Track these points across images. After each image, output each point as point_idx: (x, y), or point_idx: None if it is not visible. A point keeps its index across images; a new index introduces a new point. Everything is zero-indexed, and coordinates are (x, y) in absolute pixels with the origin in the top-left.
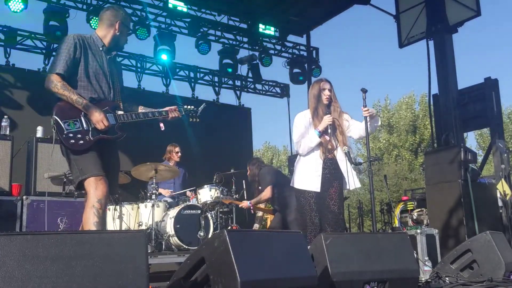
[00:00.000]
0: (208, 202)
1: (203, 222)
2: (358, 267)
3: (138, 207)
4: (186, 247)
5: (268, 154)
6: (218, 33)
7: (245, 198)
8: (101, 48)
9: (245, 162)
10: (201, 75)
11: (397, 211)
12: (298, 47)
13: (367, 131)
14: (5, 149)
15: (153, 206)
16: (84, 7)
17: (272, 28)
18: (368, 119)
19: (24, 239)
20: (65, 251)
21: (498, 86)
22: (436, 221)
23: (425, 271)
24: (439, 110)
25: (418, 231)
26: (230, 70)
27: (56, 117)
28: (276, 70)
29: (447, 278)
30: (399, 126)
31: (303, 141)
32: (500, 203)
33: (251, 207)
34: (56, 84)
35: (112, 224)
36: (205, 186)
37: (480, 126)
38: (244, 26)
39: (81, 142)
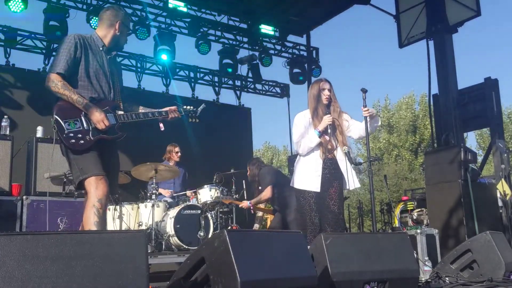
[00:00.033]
0: (208, 202)
1: (203, 222)
2: (358, 267)
3: (138, 207)
4: (186, 247)
5: (268, 154)
6: (218, 33)
7: (245, 198)
8: (101, 48)
9: (245, 162)
10: (201, 75)
11: (397, 211)
12: (298, 47)
13: (367, 131)
14: (5, 149)
15: (153, 206)
16: (84, 7)
17: (272, 28)
18: (368, 119)
19: (24, 239)
20: (65, 251)
21: (498, 86)
22: (436, 221)
23: (425, 271)
24: (439, 110)
25: (418, 231)
26: (230, 70)
27: (56, 117)
28: (276, 70)
29: (447, 278)
30: (399, 126)
31: (303, 141)
32: (500, 203)
33: (251, 207)
34: (57, 83)
35: (112, 224)
36: (205, 186)
37: (480, 126)
38: (244, 26)
39: (82, 141)
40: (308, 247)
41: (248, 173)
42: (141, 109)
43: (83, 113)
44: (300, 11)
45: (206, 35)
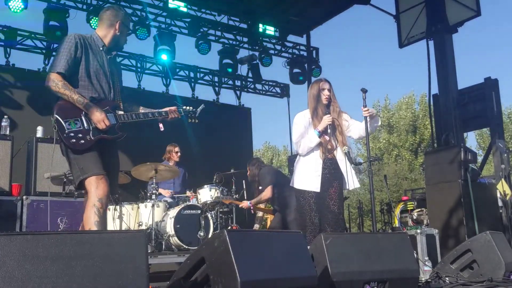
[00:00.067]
0: (208, 202)
1: (203, 222)
2: (358, 267)
3: (138, 207)
4: (186, 247)
5: (268, 154)
6: (218, 33)
7: (245, 198)
8: (101, 48)
9: (245, 162)
10: (201, 75)
11: (397, 211)
12: (298, 47)
13: (367, 131)
14: (5, 149)
15: (153, 206)
16: (84, 7)
17: (272, 28)
18: (368, 119)
19: (24, 239)
20: (65, 251)
21: (498, 86)
22: (436, 221)
23: (425, 271)
24: (439, 110)
25: (418, 231)
26: (230, 70)
27: (57, 116)
28: (276, 70)
29: (447, 278)
30: (399, 126)
31: (303, 141)
32: (500, 203)
33: (251, 207)
34: (57, 83)
35: (112, 224)
36: (205, 186)
37: (480, 126)
38: (244, 26)
39: (82, 141)
40: (308, 247)
41: (248, 173)
42: (141, 110)
43: (83, 112)
44: (300, 11)
45: (206, 35)
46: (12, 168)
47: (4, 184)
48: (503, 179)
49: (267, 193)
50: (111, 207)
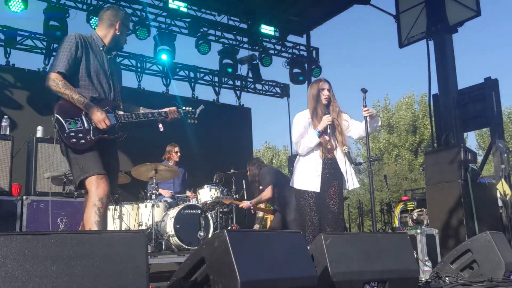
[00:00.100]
0: (208, 202)
1: (203, 222)
2: (358, 267)
3: (138, 207)
4: (186, 247)
5: (268, 154)
6: (218, 33)
7: (245, 198)
8: (101, 48)
9: (245, 162)
10: (201, 75)
11: (397, 211)
12: (298, 47)
13: (367, 131)
14: (5, 149)
15: (153, 206)
16: (84, 7)
17: (272, 28)
18: (368, 119)
19: (24, 239)
20: (65, 251)
21: (498, 86)
22: (436, 221)
23: (425, 271)
24: (439, 110)
25: (418, 231)
26: (230, 70)
27: (57, 115)
28: (276, 70)
29: (447, 278)
30: (399, 126)
31: (303, 141)
32: (500, 203)
33: (251, 207)
34: (58, 83)
35: (112, 224)
36: (205, 186)
37: (480, 126)
38: (244, 26)
39: (83, 141)
40: (308, 247)
41: (248, 173)
42: (141, 110)
43: (83, 112)
44: (300, 11)
45: (206, 35)
46: (12, 168)
47: (4, 184)
48: (503, 179)
49: (267, 193)
50: (111, 207)
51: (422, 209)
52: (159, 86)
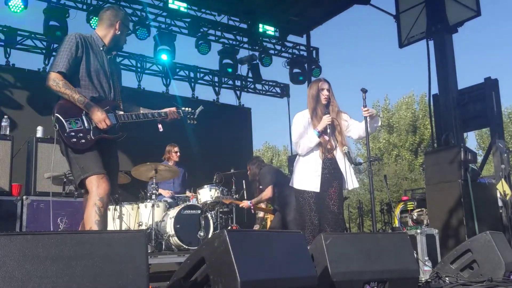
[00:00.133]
0: (208, 202)
1: (203, 222)
2: (358, 267)
3: (138, 207)
4: (186, 247)
5: (268, 154)
6: (218, 33)
7: (245, 198)
8: (101, 48)
9: (245, 162)
10: (201, 75)
11: (397, 211)
12: (298, 47)
13: (367, 131)
14: (5, 149)
15: (153, 206)
16: (84, 7)
17: (272, 28)
18: (368, 119)
19: (24, 239)
20: (65, 251)
21: (498, 86)
22: (436, 221)
23: (425, 271)
24: (439, 110)
25: (418, 231)
26: (230, 70)
27: (58, 115)
28: (276, 70)
29: (447, 278)
30: (399, 126)
31: (302, 141)
32: (500, 203)
33: (252, 207)
34: (58, 82)
35: (112, 224)
36: (205, 186)
37: (480, 126)
38: (244, 26)
39: (83, 141)
40: (308, 247)
41: (248, 172)
42: (141, 110)
43: (84, 112)
44: (300, 11)
45: (206, 35)
46: (12, 168)
47: (4, 184)
48: (503, 179)
49: (267, 192)
50: (111, 207)
51: (422, 209)
52: (159, 86)
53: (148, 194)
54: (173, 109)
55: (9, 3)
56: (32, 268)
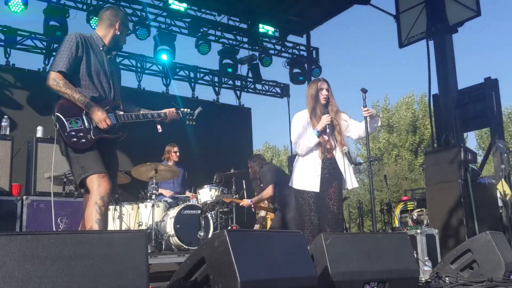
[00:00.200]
0: (208, 202)
1: (203, 222)
2: (358, 267)
3: (138, 207)
4: (186, 247)
5: (268, 154)
6: (218, 33)
7: (245, 198)
8: (101, 48)
9: (245, 162)
10: (201, 75)
11: (397, 211)
12: (298, 47)
13: (367, 131)
14: (5, 149)
15: (153, 206)
16: (84, 7)
17: (272, 28)
18: (368, 119)
19: (24, 239)
20: (65, 251)
21: (498, 86)
22: (436, 221)
23: (425, 271)
24: (439, 110)
25: (418, 231)
26: (230, 70)
27: (58, 114)
28: (276, 70)
29: (447, 278)
30: (399, 126)
31: (302, 141)
32: (500, 203)
33: (252, 205)
34: (58, 82)
35: (112, 224)
36: (205, 186)
37: (480, 126)
38: (244, 26)
39: (83, 140)
40: (308, 247)
41: (249, 170)
42: (140, 111)
43: (84, 112)
44: (300, 11)
45: (206, 35)
46: (12, 168)
47: (4, 184)
48: (503, 179)
49: (268, 191)
50: (111, 207)
51: (422, 209)
52: (159, 86)
53: (148, 194)
54: (173, 110)
55: (9, 3)
56: (32, 268)
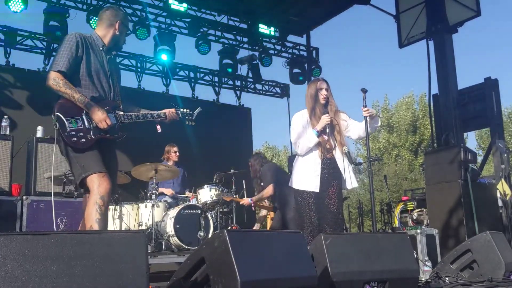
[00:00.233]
0: (208, 202)
1: (203, 222)
2: (358, 267)
3: (138, 207)
4: (186, 247)
5: (268, 154)
6: (218, 33)
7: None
8: (101, 48)
9: (245, 162)
10: (201, 75)
11: (397, 211)
12: (298, 47)
13: (367, 131)
14: (5, 149)
15: (153, 206)
16: (84, 7)
17: (272, 28)
18: (368, 119)
19: (24, 239)
20: (65, 251)
21: (498, 86)
22: (436, 221)
23: (425, 271)
24: (439, 110)
25: (418, 231)
26: (230, 70)
27: (58, 114)
28: (276, 70)
29: (447, 278)
30: (399, 126)
31: (301, 141)
32: (500, 203)
33: (252, 204)
34: (58, 81)
35: (112, 224)
36: (205, 186)
37: (480, 126)
38: (244, 26)
39: (83, 140)
40: (308, 247)
41: (250, 168)
42: (140, 111)
43: (84, 111)
44: (300, 11)
45: (206, 35)
46: (12, 168)
47: (4, 184)
48: (503, 179)
49: (268, 190)
50: (111, 207)
51: (422, 209)
52: (159, 86)
53: (148, 194)
54: (172, 110)
55: (9, 3)
56: (32, 268)
